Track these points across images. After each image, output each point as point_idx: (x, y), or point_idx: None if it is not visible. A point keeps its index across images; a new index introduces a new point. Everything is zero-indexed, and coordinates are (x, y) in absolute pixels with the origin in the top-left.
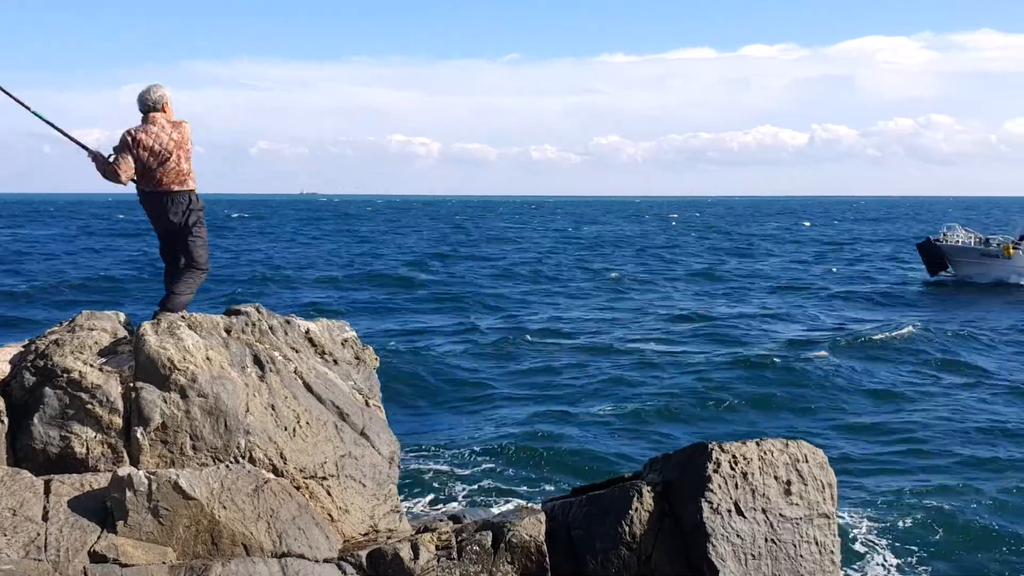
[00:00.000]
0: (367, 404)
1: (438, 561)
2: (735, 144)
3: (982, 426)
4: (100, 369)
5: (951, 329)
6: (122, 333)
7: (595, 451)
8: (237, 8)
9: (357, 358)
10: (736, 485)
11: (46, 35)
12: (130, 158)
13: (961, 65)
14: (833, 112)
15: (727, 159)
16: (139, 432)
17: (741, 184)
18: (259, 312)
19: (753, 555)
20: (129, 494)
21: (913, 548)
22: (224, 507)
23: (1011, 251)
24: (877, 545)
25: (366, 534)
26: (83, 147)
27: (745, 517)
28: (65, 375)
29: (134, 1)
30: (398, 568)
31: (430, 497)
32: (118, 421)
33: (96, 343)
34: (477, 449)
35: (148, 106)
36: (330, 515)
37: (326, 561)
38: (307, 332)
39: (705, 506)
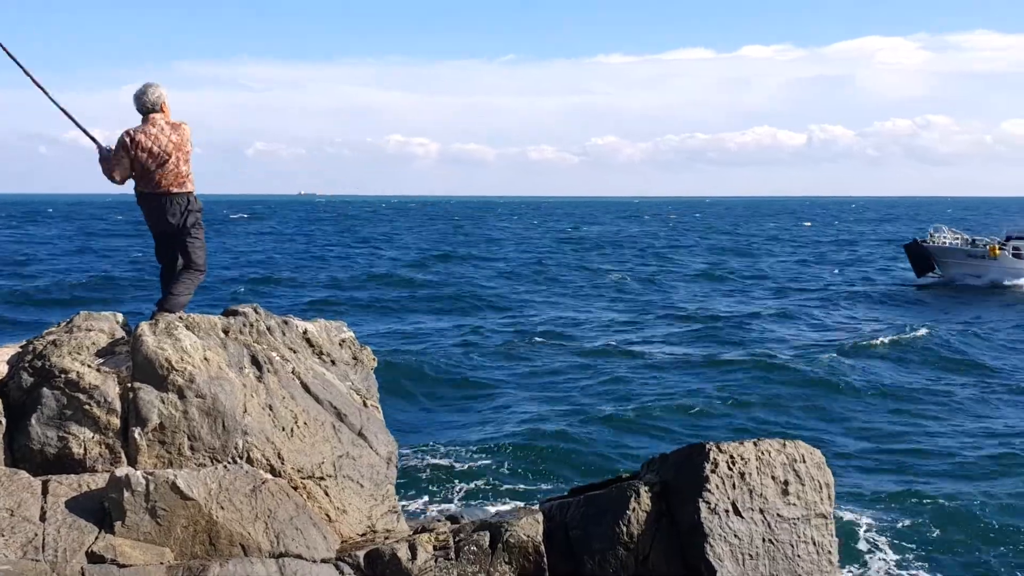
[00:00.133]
0: (365, 404)
1: (436, 561)
2: (733, 144)
3: (984, 426)
4: (98, 370)
5: (955, 330)
6: (120, 334)
7: (593, 451)
8: (234, 9)
9: (355, 358)
10: (734, 485)
11: (45, 35)
12: (126, 160)
13: (958, 65)
14: (830, 113)
15: (725, 159)
16: (137, 432)
17: (739, 184)
18: (257, 313)
19: (751, 555)
20: (127, 494)
21: (912, 548)
22: (222, 507)
23: (997, 251)
24: (875, 545)
25: (364, 534)
26: (95, 141)
27: (743, 517)
28: (63, 376)
29: (132, 1)
30: (396, 568)
31: (428, 497)
32: (116, 421)
33: (94, 344)
34: (475, 449)
35: (147, 107)
36: (328, 515)
37: (324, 561)
38: (305, 333)
39: (703, 506)
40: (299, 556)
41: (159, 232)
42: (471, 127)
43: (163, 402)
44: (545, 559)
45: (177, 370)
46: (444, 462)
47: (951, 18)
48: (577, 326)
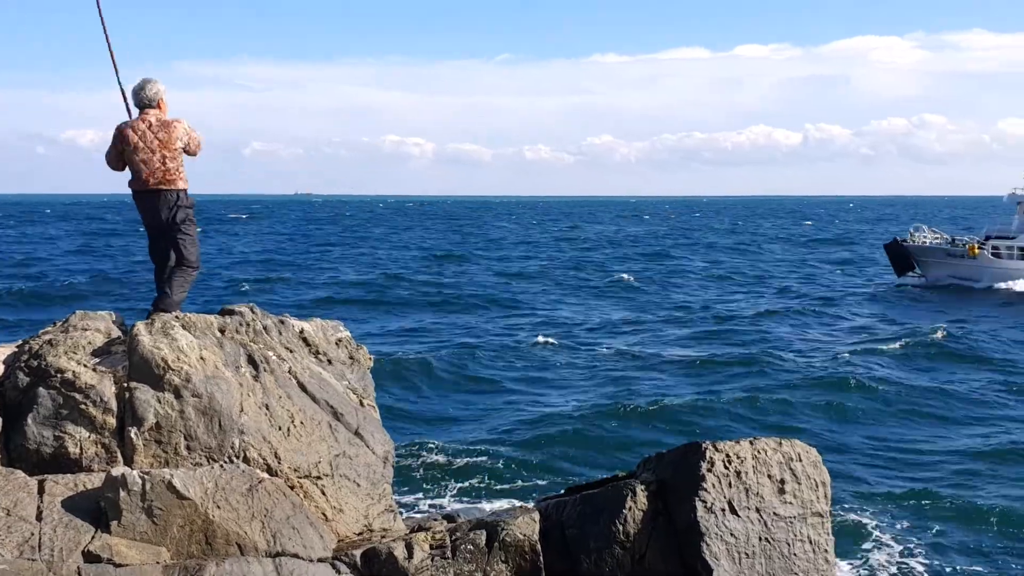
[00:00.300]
0: (361, 404)
1: (432, 560)
2: (729, 144)
3: (988, 425)
4: (94, 369)
5: (959, 328)
6: (116, 333)
7: (590, 450)
8: (233, 9)
9: (351, 358)
10: (730, 484)
11: (43, 35)
12: (114, 151)
13: (954, 65)
14: (826, 112)
15: (721, 159)
16: (133, 432)
17: (735, 184)
18: (253, 312)
19: (747, 554)
20: (123, 494)
21: (913, 547)
22: (218, 507)
23: (976, 251)
24: (875, 544)
25: (360, 533)
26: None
27: (739, 516)
28: (59, 375)
29: (132, 1)
30: (392, 567)
31: (424, 496)
32: (112, 421)
33: (90, 343)
34: (471, 448)
35: (143, 102)
36: (324, 514)
37: (320, 560)
38: (301, 332)
39: (699, 505)
40: (296, 555)
41: (152, 229)
42: (467, 127)
43: (159, 401)
44: (541, 558)
45: (173, 369)
46: (441, 461)
47: (947, 18)
48: (577, 325)
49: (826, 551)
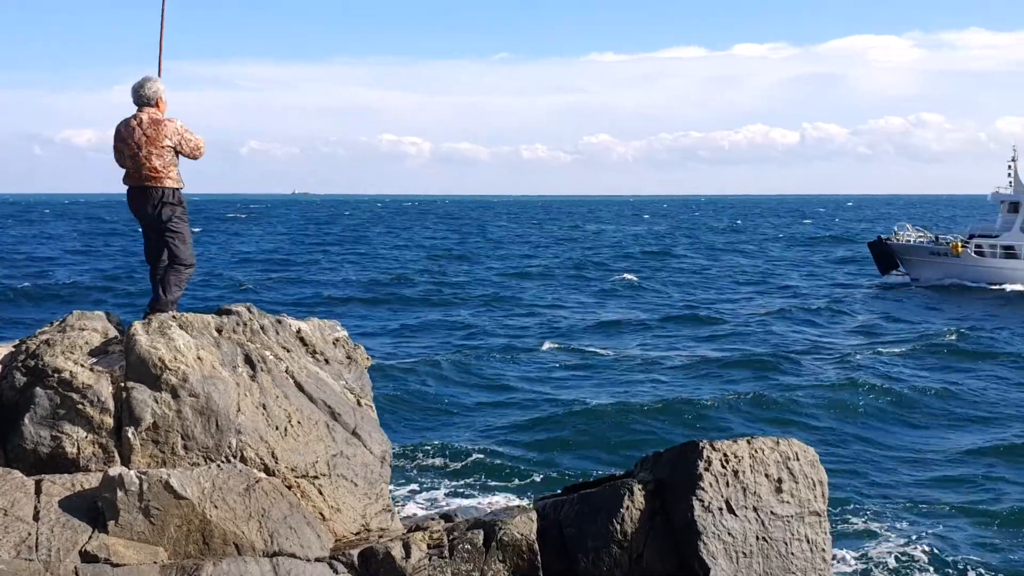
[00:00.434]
0: (359, 403)
1: (430, 560)
2: (726, 143)
3: (990, 425)
4: (91, 369)
5: (962, 328)
6: (113, 333)
7: (588, 449)
8: (229, 9)
9: (348, 357)
10: (727, 483)
11: (40, 36)
12: (115, 148)
13: (951, 64)
14: (823, 111)
15: (718, 158)
16: (130, 432)
17: (733, 183)
18: (250, 312)
19: (744, 553)
20: (120, 494)
21: (909, 547)
22: (215, 506)
23: (959, 249)
24: (871, 544)
25: (358, 533)
26: None
27: (736, 515)
28: (56, 375)
29: (128, 2)
30: (390, 567)
31: (422, 496)
32: (109, 421)
33: (87, 343)
34: (469, 448)
35: (141, 100)
36: (322, 514)
37: (318, 560)
38: (298, 331)
39: (696, 504)
40: (293, 555)
41: (144, 227)
42: (464, 126)
43: (156, 401)
44: (539, 557)
45: (170, 369)
46: (438, 461)
47: (944, 17)
48: (577, 325)
49: (823, 550)
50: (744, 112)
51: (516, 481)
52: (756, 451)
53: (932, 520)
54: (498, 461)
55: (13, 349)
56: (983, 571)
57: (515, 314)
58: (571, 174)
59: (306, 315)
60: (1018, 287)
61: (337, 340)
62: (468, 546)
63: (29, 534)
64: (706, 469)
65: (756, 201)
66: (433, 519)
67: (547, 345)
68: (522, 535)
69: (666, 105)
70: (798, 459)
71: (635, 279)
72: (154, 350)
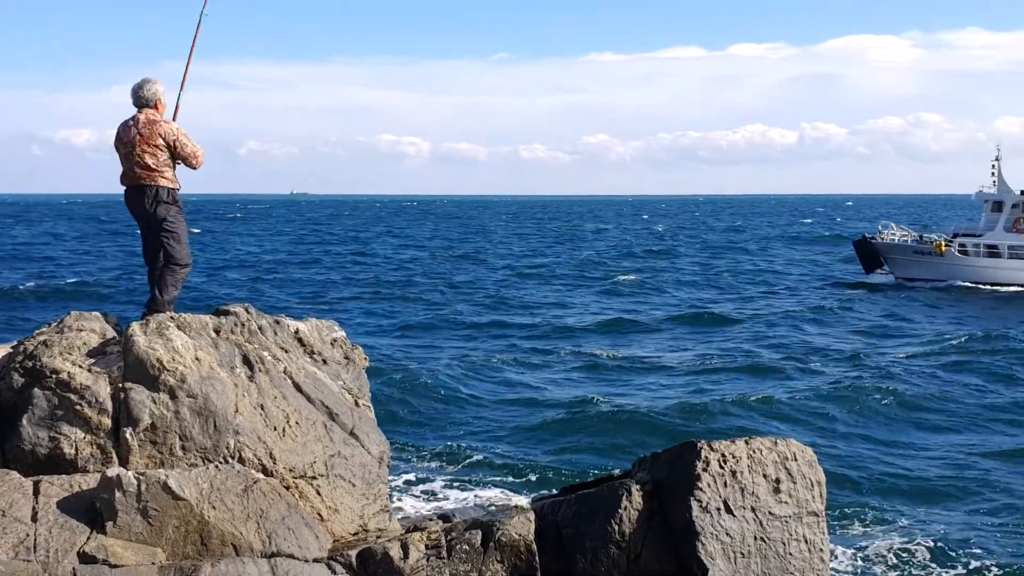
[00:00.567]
0: (356, 404)
1: (428, 560)
2: (725, 143)
3: (988, 427)
4: (89, 370)
5: (966, 330)
6: (111, 334)
7: (585, 449)
8: (227, 9)
9: (346, 358)
10: (725, 483)
11: (38, 36)
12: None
13: (950, 64)
14: (822, 111)
15: (717, 157)
16: (128, 433)
17: (732, 182)
18: (248, 312)
19: (742, 553)
20: (118, 495)
21: (907, 547)
22: (213, 507)
23: (943, 248)
24: (869, 544)
25: (356, 534)
26: None
27: (734, 515)
28: (54, 376)
29: (125, 2)
30: (388, 567)
31: (420, 496)
32: (107, 422)
33: (85, 344)
34: (467, 448)
35: (140, 102)
36: (320, 515)
37: (316, 561)
38: (296, 332)
39: (694, 504)
40: (291, 556)
41: (141, 226)
42: (462, 126)
43: (154, 402)
44: (537, 558)
45: (168, 370)
46: (436, 461)
47: (943, 16)
48: (577, 324)
49: (821, 550)
50: (743, 112)
51: (514, 481)
52: (754, 451)
53: (931, 520)
54: (496, 461)
55: (11, 350)
56: (982, 571)
57: (514, 314)
58: (570, 174)
59: (306, 315)
60: (1009, 287)
61: (335, 340)
62: (466, 547)
63: (27, 535)
64: (704, 469)
65: (755, 201)
66: (431, 519)
67: (546, 345)
68: (520, 535)
69: (665, 105)
70: (796, 459)
71: (636, 279)
72: (152, 351)
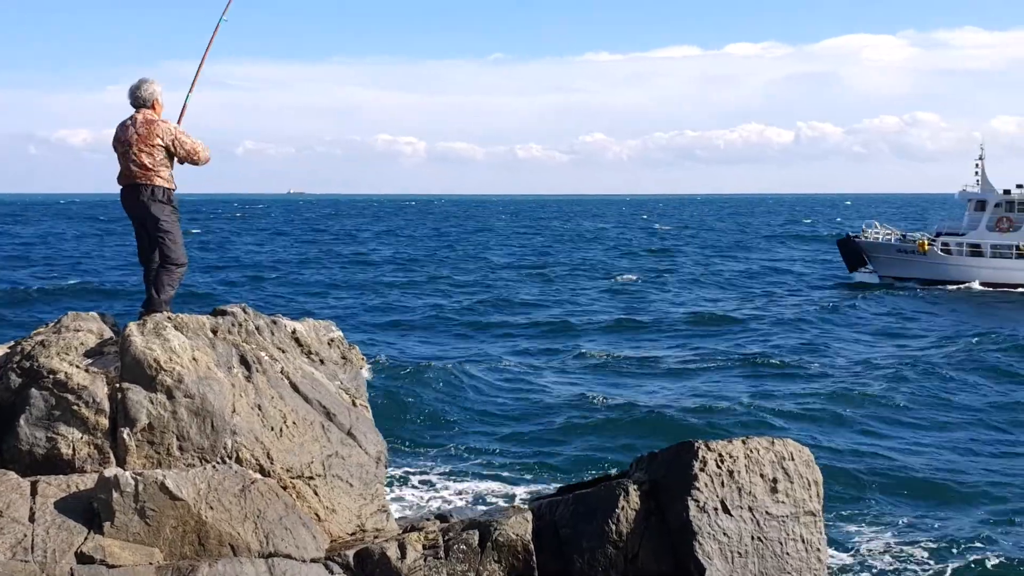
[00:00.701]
0: (354, 404)
1: (425, 560)
2: (721, 142)
3: (988, 429)
4: (86, 370)
5: (970, 331)
6: (108, 334)
7: (584, 449)
8: (219, 8)
9: (344, 358)
10: (722, 483)
11: (36, 36)
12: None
13: (945, 63)
14: (818, 110)
15: (714, 157)
16: (125, 433)
17: (729, 182)
18: (245, 312)
19: (740, 553)
20: (116, 495)
21: (906, 548)
22: (211, 507)
23: (926, 247)
24: (867, 544)
25: (353, 534)
26: None
27: (731, 515)
28: (51, 376)
29: (123, 2)
30: (385, 567)
31: (417, 496)
32: (104, 422)
33: (82, 344)
34: (464, 448)
35: (138, 102)
36: (317, 515)
37: (313, 561)
38: (293, 332)
39: (691, 504)
40: (288, 556)
41: (136, 227)
42: (459, 125)
43: (152, 402)
44: (534, 558)
45: (166, 370)
46: (434, 461)
47: (938, 15)
48: (577, 324)
49: (818, 550)
50: (739, 111)
51: (511, 481)
52: (751, 451)
53: (929, 520)
54: (494, 461)
55: (8, 350)
56: (982, 571)
57: (514, 313)
58: (567, 174)
59: (305, 314)
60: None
61: (332, 340)
62: (463, 546)
63: (25, 535)
64: (701, 469)
65: (753, 200)
66: (428, 519)
67: (545, 345)
68: (517, 535)
69: (661, 105)
70: (793, 459)
71: (636, 278)
72: (149, 351)
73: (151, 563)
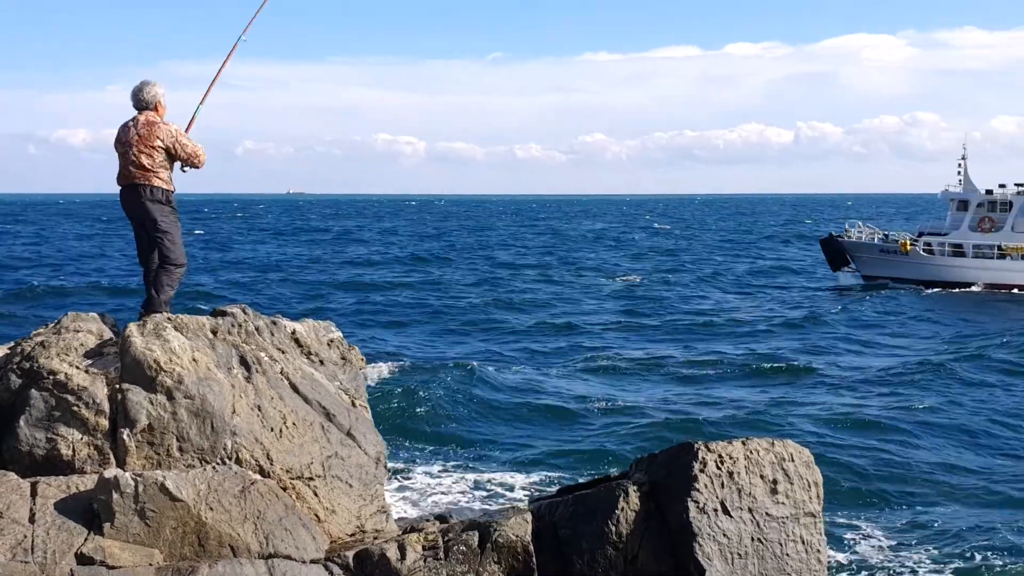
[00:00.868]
0: (353, 404)
1: (425, 561)
2: (721, 142)
3: (988, 430)
4: (86, 371)
5: (971, 334)
6: (108, 335)
7: (583, 450)
8: (222, 9)
9: (343, 358)
10: (722, 484)
11: (36, 36)
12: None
13: (945, 63)
14: (818, 110)
15: (713, 157)
16: (125, 434)
17: (729, 182)
18: (245, 313)
19: (740, 554)
20: (116, 496)
21: (905, 549)
22: (211, 508)
23: (908, 247)
24: (866, 545)
25: (353, 534)
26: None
27: (731, 516)
28: (51, 377)
29: (122, 2)
30: (385, 568)
31: (417, 497)
32: (104, 423)
33: (82, 345)
34: (464, 448)
35: (140, 104)
36: (317, 516)
37: (313, 562)
38: (293, 333)
39: (691, 506)
40: (288, 557)
41: (135, 227)
42: (458, 125)
43: (151, 403)
44: (534, 559)
45: (165, 371)
46: (434, 461)
47: (938, 15)
48: (577, 325)
49: (818, 551)
50: (738, 111)
51: (511, 482)
52: (751, 452)
53: (930, 521)
54: (493, 462)
55: (8, 351)
56: (981, 571)
57: (514, 314)
58: (566, 174)
59: (306, 315)
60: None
61: (332, 341)
62: (463, 547)
63: (25, 536)
64: (701, 470)
65: (754, 200)
66: (428, 520)
67: (546, 345)
68: (517, 536)
69: (661, 104)
70: (793, 460)
71: (639, 279)
72: (149, 352)
73: (151, 564)
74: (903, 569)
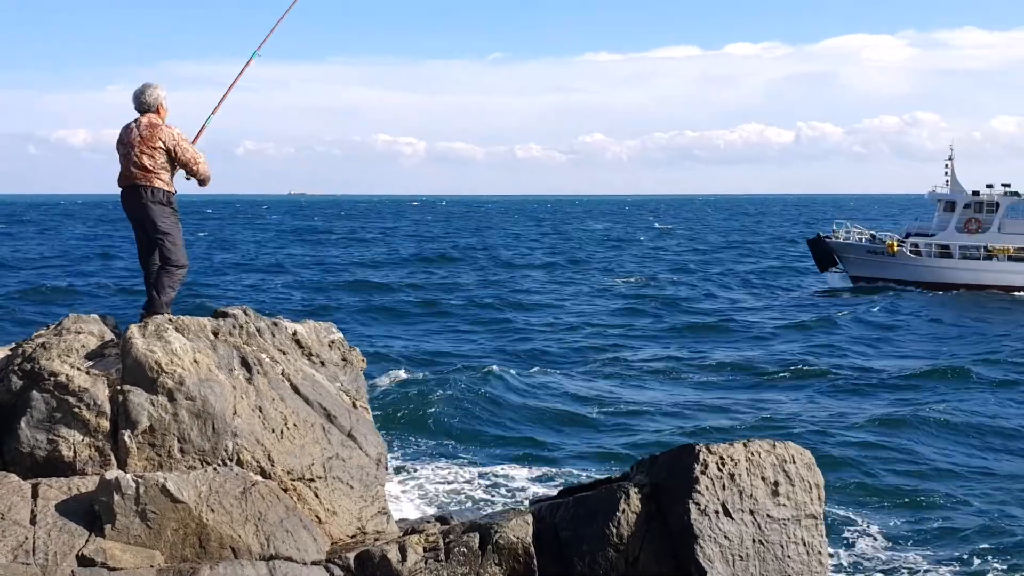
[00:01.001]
0: (354, 406)
1: (426, 563)
2: (721, 142)
3: (988, 433)
4: (87, 372)
5: (974, 335)
6: (109, 336)
7: (584, 451)
8: (222, 9)
9: (344, 360)
10: (723, 486)
11: (35, 36)
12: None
13: (946, 63)
14: (818, 110)
15: (713, 157)
16: (127, 435)
17: (730, 182)
18: (246, 314)
19: (741, 556)
20: (117, 497)
21: (906, 551)
22: (212, 510)
23: (895, 248)
24: (868, 547)
25: (354, 536)
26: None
27: (733, 518)
28: (52, 378)
29: (122, 2)
30: (386, 570)
31: (417, 498)
32: (105, 424)
33: (83, 346)
34: (465, 450)
35: (142, 106)
36: (318, 517)
37: (314, 563)
38: (294, 334)
39: (692, 507)
40: (289, 558)
41: (136, 229)
42: (458, 126)
43: (153, 404)
44: (535, 560)
45: (167, 372)
46: (434, 462)
47: (938, 16)
48: (578, 325)
49: (820, 553)
50: (738, 111)
51: (512, 483)
52: (752, 454)
53: (931, 523)
54: (494, 463)
55: (9, 352)
56: (981, 572)
57: (515, 314)
58: (566, 174)
59: (307, 316)
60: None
61: (333, 342)
62: (464, 549)
63: (26, 538)
64: (702, 472)
65: (755, 200)
66: (429, 522)
67: (548, 345)
68: (518, 538)
69: (661, 105)
70: (795, 462)
71: (641, 280)
72: (150, 353)
73: (152, 566)
74: (904, 570)
